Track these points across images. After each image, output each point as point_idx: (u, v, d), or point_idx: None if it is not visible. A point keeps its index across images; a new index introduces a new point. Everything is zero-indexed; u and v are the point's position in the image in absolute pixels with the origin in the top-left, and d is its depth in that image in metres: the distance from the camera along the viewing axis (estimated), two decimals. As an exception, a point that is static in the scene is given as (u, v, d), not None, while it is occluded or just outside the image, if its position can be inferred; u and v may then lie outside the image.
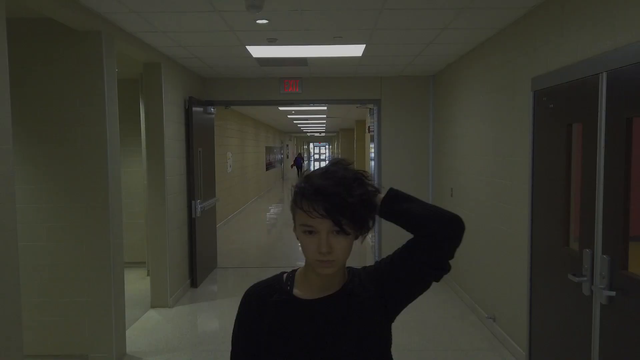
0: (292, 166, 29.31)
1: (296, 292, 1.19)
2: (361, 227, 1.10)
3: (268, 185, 19.53)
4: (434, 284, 1.19)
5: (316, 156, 53.42)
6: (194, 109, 5.61)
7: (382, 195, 1.16)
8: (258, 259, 7.32)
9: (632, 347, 2.30)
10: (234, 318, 1.23)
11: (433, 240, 1.12)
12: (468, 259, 4.75)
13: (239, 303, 1.22)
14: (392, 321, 1.22)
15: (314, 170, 1.14)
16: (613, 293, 2.41)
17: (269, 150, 19.39)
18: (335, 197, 1.05)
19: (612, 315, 2.46)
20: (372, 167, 7.24)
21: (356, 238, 1.13)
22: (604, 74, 2.49)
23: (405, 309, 1.23)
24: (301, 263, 1.21)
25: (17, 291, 2.57)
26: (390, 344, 1.22)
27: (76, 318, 3.64)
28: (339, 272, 1.17)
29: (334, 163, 1.13)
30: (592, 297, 2.58)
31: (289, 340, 1.15)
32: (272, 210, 13.62)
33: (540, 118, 3.26)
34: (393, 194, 1.16)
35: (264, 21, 3.73)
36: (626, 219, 2.37)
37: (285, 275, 1.24)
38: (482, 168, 4.44)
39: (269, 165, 19.76)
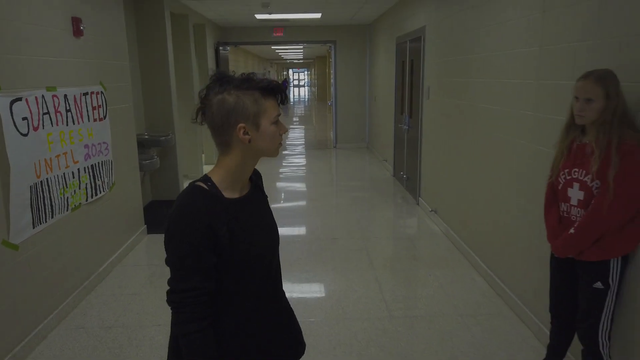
0: None
1: (226, 194, 1.28)
2: None
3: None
4: None
5: (295, 82, 53.53)
6: (220, 48, 9.23)
7: None
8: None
9: (409, 145, 6.33)
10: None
11: None
12: (376, 128, 8.75)
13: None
14: None
15: (246, 75, 1.36)
16: (407, 127, 6.41)
17: (255, 75, 22.74)
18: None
19: (408, 135, 6.46)
20: (333, 89, 11.00)
21: None
22: (408, 41, 6.30)
23: None
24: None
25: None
26: None
27: (187, 159, 7.55)
28: None
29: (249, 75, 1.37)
30: (405, 131, 6.56)
31: (250, 235, 1.29)
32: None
33: (396, 59, 7.08)
34: None
35: (268, 7, 7.35)
36: (411, 100, 6.29)
37: (208, 184, 1.27)
38: (383, 84, 8.30)
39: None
